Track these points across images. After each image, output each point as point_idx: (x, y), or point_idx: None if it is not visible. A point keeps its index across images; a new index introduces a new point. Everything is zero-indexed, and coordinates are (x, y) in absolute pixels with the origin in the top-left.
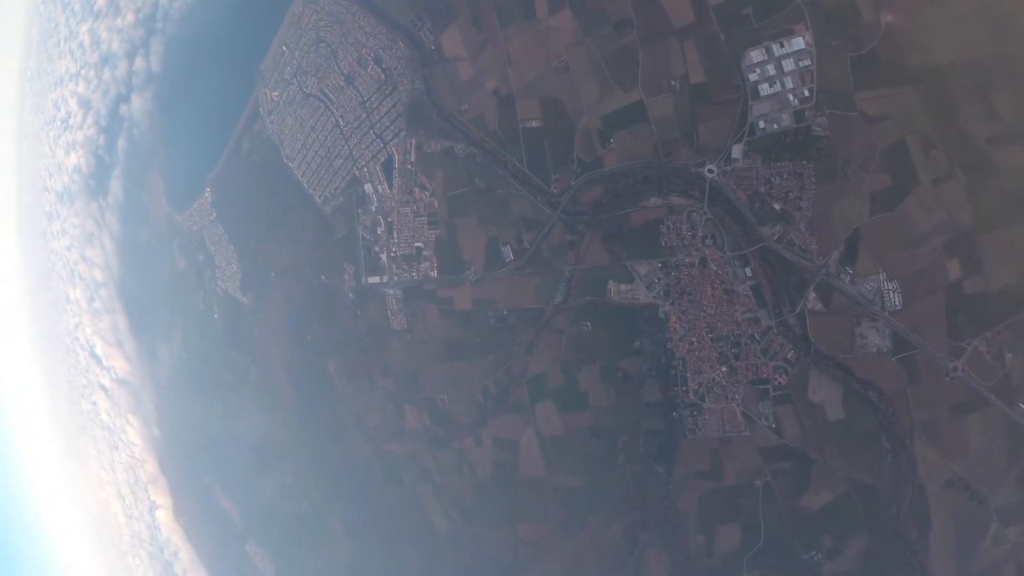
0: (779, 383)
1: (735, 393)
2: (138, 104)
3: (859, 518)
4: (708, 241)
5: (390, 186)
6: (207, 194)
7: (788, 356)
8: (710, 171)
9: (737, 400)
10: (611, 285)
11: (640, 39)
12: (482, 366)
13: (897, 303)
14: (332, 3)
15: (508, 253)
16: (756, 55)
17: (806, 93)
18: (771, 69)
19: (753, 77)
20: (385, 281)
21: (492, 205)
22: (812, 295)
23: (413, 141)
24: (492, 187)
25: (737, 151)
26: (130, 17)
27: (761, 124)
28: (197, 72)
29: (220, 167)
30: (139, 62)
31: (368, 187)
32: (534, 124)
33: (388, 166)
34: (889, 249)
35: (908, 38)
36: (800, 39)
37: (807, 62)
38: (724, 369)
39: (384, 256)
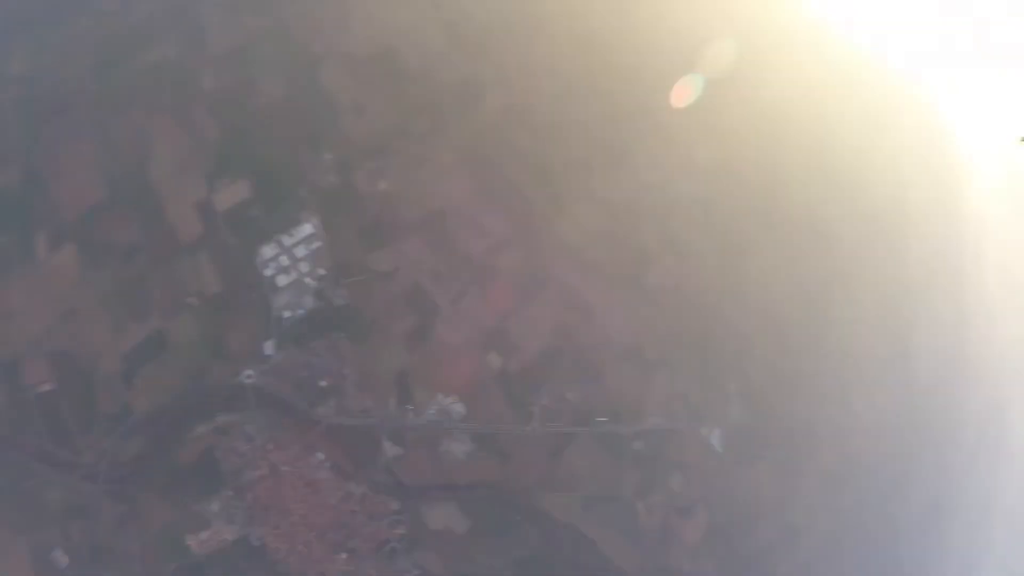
0: (400, 535)
1: (367, 569)
2: None
3: None
4: (270, 446)
5: None
6: None
7: (394, 508)
8: (249, 376)
9: (374, 574)
10: (190, 540)
11: (151, 262)
12: None
13: (462, 410)
14: None
15: (61, 558)
16: (268, 251)
17: (321, 272)
18: (285, 260)
19: (269, 272)
20: None
21: (21, 505)
22: (387, 445)
23: None
24: (15, 482)
25: (270, 348)
26: None
27: (286, 314)
28: None
29: None
30: None
31: None
32: (47, 388)
33: None
34: (435, 372)
35: (403, 196)
36: (308, 225)
37: (317, 244)
38: (344, 555)
39: None
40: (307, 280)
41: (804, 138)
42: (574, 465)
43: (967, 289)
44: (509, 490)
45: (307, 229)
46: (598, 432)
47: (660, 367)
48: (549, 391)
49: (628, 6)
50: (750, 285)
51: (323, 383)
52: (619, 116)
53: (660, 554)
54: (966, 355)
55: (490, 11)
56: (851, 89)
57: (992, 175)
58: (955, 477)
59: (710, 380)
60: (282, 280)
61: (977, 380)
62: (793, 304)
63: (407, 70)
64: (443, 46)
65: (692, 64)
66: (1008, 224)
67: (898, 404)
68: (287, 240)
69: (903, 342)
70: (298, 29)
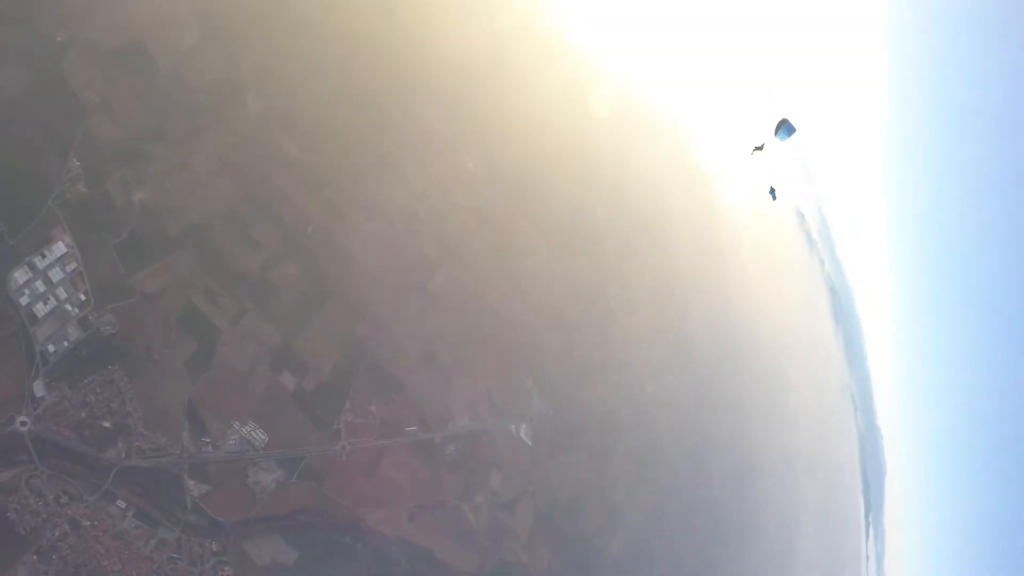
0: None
1: None
2: None
3: None
4: (64, 499)
5: None
6: None
7: (215, 548)
8: (23, 424)
9: None
10: None
11: None
12: None
13: (263, 437)
14: None
15: None
16: (20, 275)
17: (83, 297)
18: (40, 286)
19: (25, 301)
20: None
21: None
22: (191, 483)
23: None
24: None
25: (40, 388)
26: None
27: (51, 348)
28: None
29: None
30: None
31: None
32: None
33: None
34: (227, 399)
35: (163, 208)
36: (60, 243)
37: (74, 265)
38: None
39: None
40: (68, 307)
41: (566, 143)
42: (392, 477)
43: (730, 276)
44: (330, 513)
45: (60, 248)
46: (409, 441)
47: (458, 371)
48: (353, 407)
49: (392, 11)
50: (530, 285)
51: (106, 423)
52: (386, 123)
53: (496, 552)
54: (740, 333)
55: (250, 6)
56: (610, 99)
57: (740, 176)
58: (755, 440)
59: (508, 378)
60: (41, 309)
61: (755, 354)
62: (573, 300)
63: (159, 66)
64: (198, 41)
65: (457, 72)
66: (759, 216)
67: (686, 382)
68: (40, 262)
69: (680, 327)
70: (41, 13)
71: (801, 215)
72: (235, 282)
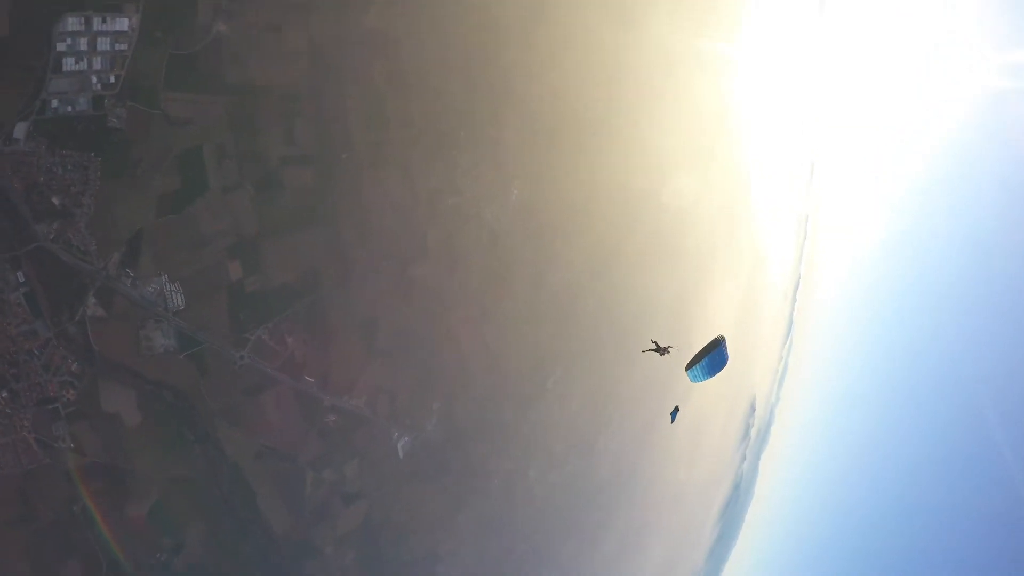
0: (69, 399)
1: (23, 419)
2: None
3: (187, 510)
4: None
5: None
6: None
7: (73, 369)
8: None
9: (27, 427)
10: None
11: None
12: None
13: (180, 303)
14: None
15: None
16: (73, 22)
17: (112, 79)
18: (83, 43)
19: (61, 47)
20: None
21: None
22: (92, 300)
23: None
24: None
25: (20, 130)
26: None
27: (55, 103)
28: None
29: None
30: None
31: None
32: None
33: None
34: (172, 251)
35: (234, 52)
36: (126, 20)
37: (124, 46)
38: (5, 394)
39: None
40: (93, 79)
41: (602, 227)
42: (265, 410)
43: (661, 425)
44: (193, 405)
45: (123, 24)
46: (301, 389)
47: (384, 357)
48: (273, 328)
49: (535, 26)
50: (492, 324)
51: (56, 200)
52: (472, 109)
53: (310, 529)
54: (637, 476)
55: None
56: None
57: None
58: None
59: (421, 391)
60: (70, 64)
61: (637, 501)
62: (518, 360)
63: None
64: None
65: (556, 104)
66: (715, 387)
67: (565, 486)
68: (98, 23)
69: (592, 440)
70: None
71: (753, 408)
72: (250, 156)
